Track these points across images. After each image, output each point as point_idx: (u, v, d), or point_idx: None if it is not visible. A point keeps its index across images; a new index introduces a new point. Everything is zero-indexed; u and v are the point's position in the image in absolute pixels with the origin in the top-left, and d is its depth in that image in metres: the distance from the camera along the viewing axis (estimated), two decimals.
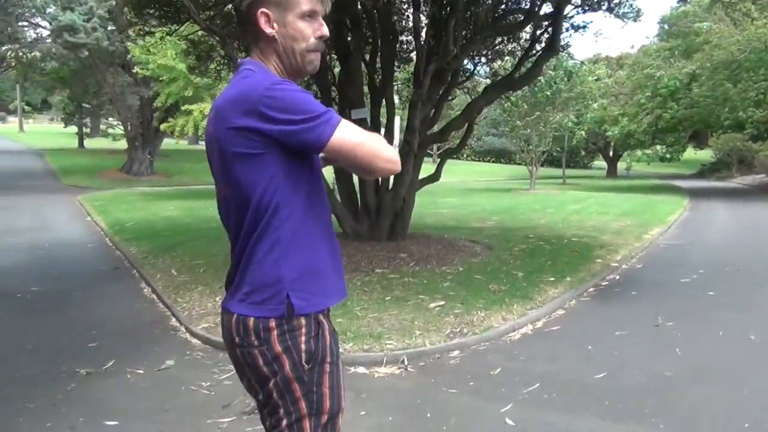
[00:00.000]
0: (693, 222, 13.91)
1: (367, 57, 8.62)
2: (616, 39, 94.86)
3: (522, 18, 7.95)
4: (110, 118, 38.01)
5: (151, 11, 8.87)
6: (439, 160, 9.88)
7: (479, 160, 51.97)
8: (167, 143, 37.52)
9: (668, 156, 27.79)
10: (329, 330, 1.74)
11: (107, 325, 5.78)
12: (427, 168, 9.46)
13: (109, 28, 23.69)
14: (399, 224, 8.31)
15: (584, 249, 8.92)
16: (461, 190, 24.14)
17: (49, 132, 54.26)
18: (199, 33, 9.68)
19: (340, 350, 2.01)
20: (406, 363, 4.60)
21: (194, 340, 5.33)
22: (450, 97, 9.03)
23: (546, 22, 8.14)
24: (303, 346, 1.66)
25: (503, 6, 8.31)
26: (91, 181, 26.82)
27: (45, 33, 26.74)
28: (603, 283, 7.36)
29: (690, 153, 45.33)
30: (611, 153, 39.99)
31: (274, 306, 1.64)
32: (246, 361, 1.69)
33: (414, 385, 4.25)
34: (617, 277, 7.73)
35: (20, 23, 26.48)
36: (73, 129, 43.45)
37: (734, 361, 4.54)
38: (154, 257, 8.73)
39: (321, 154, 1.75)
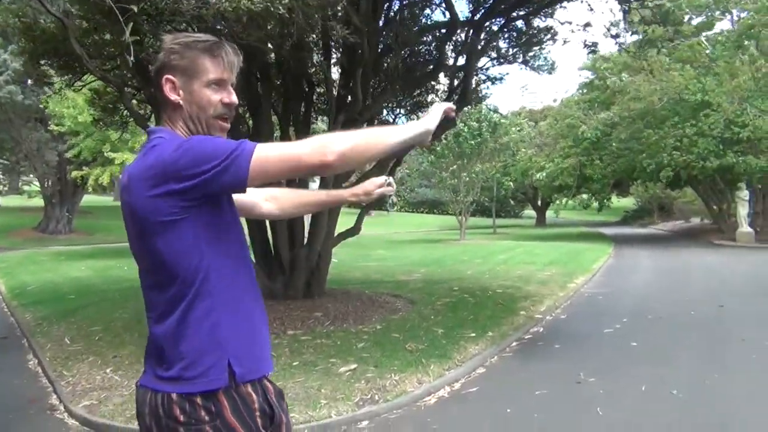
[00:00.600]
0: (617, 269, 14.04)
1: (281, 109, 8.32)
2: (543, 93, 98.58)
3: (431, 68, 7.86)
4: (30, 175, 36.36)
5: (50, 61, 8.36)
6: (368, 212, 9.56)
7: (413, 211, 52.29)
8: (91, 200, 36.13)
9: (594, 204, 28.42)
10: (275, 392, 1.68)
11: None
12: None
13: (29, 82, 22.68)
14: (315, 281, 7.90)
15: (508, 301, 8.71)
16: (392, 242, 23.95)
17: None
18: (104, 84, 9.19)
19: None
20: None
21: (71, 421, 4.71)
22: None
23: (461, 73, 8.08)
24: (257, 413, 1.59)
25: (416, 57, 8.21)
26: (3, 240, 25.37)
27: None
28: (526, 337, 7.11)
29: (613, 200, 47.03)
30: (539, 203, 40.90)
31: (216, 376, 1.55)
32: None
33: None
34: (541, 330, 7.51)
35: None
36: None
37: (656, 421, 4.29)
38: (49, 324, 7.98)
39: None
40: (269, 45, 5.92)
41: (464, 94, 7.71)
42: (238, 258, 1.65)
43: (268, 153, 1.50)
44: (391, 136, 1.60)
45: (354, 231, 8.97)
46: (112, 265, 15.27)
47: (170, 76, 1.63)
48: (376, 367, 5.42)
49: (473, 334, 6.61)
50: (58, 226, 28.16)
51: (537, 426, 4.23)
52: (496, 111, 22.59)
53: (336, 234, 8.76)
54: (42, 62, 8.52)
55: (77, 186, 26.96)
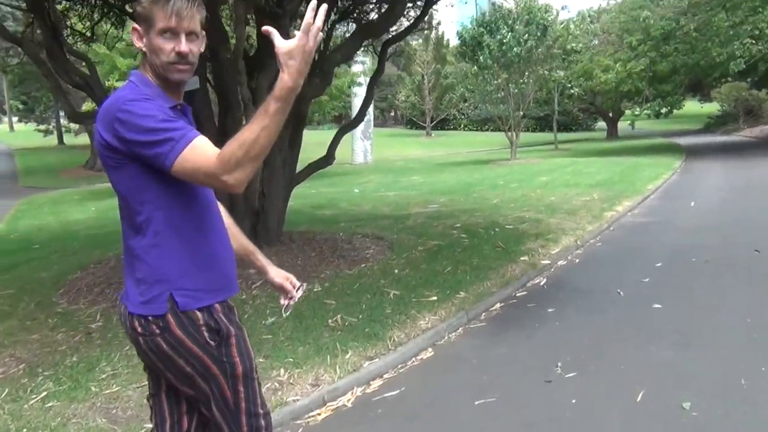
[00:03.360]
0: (678, 189, 11.84)
1: None
2: None
3: None
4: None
5: None
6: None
7: (477, 129, 49.75)
8: None
9: (665, 109, 25.08)
10: (223, 312, 1.80)
11: None
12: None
13: None
14: (262, 227, 6.38)
15: (512, 242, 6.90)
16: (436, 165, 22.13)
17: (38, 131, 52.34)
18: None
19: None
20: None
21: None
22: None
23: None
24: (203, 328, 1.74)
25: None
26: (52, 180, 25.41)
27: None
28: (518, 294, 5.41)
29: (695, 107, 42.81)
30: (610, 113, 37.51)
31: (159, 304, 1.71)
32: (150, 348, 1.75)
33: None
34: (542, 282, 5.76)
35: None
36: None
37: None
38: None
39: None
40: None
41: None
42: (191, 196, 1.73)
43: (188, 157, 1.57)
44: (266, 113, 1.52)
45: (326, 161, 7.35)
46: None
47: (136, 26, 1.73)
48: (266, 358, 3.90)
49: (434, 298, 4.97)
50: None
51: None
52: (547, 10, 19.77)
53: (304, 167, 7.21)
54: None
55: None
